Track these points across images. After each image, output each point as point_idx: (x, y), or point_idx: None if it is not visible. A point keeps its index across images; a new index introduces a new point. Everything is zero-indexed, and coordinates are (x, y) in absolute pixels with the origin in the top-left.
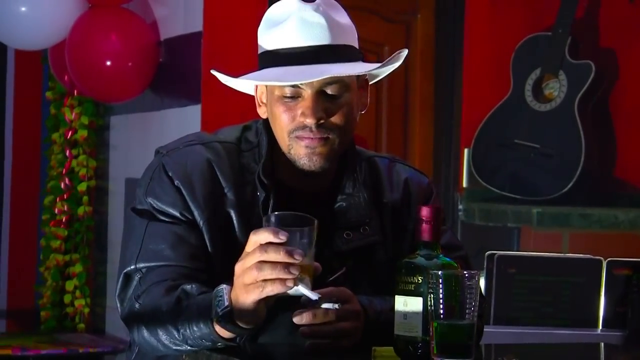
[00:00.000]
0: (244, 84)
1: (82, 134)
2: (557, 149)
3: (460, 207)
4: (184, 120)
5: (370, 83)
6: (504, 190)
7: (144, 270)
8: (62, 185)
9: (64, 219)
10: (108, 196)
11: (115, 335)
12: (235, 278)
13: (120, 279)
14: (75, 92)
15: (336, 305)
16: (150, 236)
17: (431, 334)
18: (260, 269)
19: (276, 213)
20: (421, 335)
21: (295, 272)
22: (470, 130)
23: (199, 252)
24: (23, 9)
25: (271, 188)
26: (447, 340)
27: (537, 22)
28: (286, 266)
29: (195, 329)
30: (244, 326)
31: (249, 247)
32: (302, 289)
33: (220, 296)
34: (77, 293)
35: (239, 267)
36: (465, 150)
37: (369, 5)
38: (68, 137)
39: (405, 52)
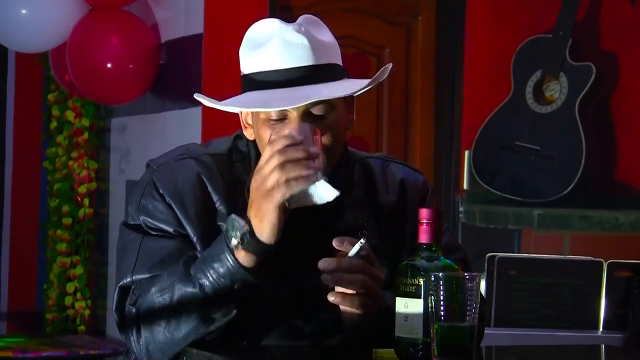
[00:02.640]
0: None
1: (83, 136)
2: (558, 151)
3: (461, 209)
4: (185, 123)
5: (355, 95)
6: (505, 192)
7: (139, 283)
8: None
9: (70, 222)
10: (109, 198)
11: (116, 337)
12: (253, 190)
13: (116, 293)
14: (76, 93)
15: (362, 240)
16: (145, 249)
17: (432, 335)
18: (283, 169)
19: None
20: (422, 337)
21: (318, 164)
22: (471, 132)
23: (193, 262)
24: (24, 11)
25: None
26: (448, 342)
27: (538, 24)
28: (307, 162)
29: (214, 266)
30: (265, 242)
31: (264, 158)
32: (324, 184)
33: (233, 221)
34: (78, 295)
35: (257, 178)
36: (466, 152)
37: (370, 7)
38: (72, 140)
39: (390, 66)
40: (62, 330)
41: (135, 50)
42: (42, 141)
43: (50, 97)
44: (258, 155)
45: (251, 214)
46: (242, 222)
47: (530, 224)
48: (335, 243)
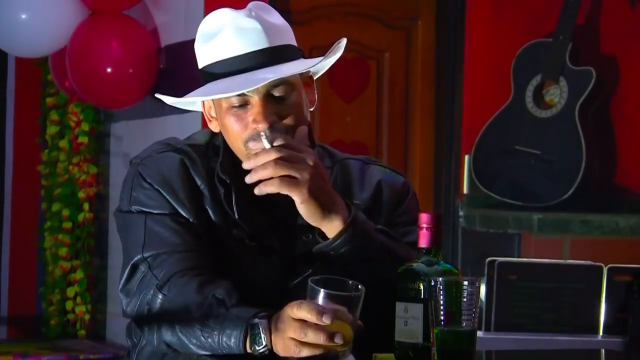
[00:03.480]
0: (190, 102)
1: (83, 140)
2: (558, 155)
3: (461, 213)
4: (185, 127)
5: (315, 78)
6: (505, 197)
7: (149, 259)
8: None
9: (70, 226)
10: (109, 203)
11: (116, 341)
12: (275, 332)
13: (127, 271)
14: (76, 99)
15: (263, 132)
16: (151, 226)
17: (432, 340)
18: (300, 350)
19: (322, 287)
20: (422, 341)
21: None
22: (471, 136)
23: (199, 240)
24: (23, 16)
25: (230, 185)
26: (448, 347)
27: (538, 28)
28: (327, 346)
29: (224, 339)
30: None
31: (289, 312)
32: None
33: (259, 335)
34: (78, 299)
35: (280, 333)
36: (466, 157)
37: (370, 11)
38: (73, 144)
39: (344, 41)
40: (63, 335)
41: (135, 55)
42: (42, 145)
43: (49, 101)
44: (227, 147)
45: (273, 341)
46: (265, 339)
47: (530, 228)
48: (247, 179)
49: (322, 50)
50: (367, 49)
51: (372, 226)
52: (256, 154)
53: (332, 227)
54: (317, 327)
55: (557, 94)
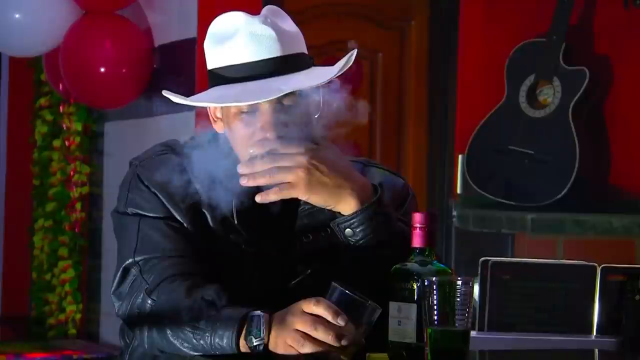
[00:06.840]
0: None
1: (76, 140)
2: (552, 155)
3: (454, 213)
4: (178, 126)
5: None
6: (498, 197)
7: (141, 262)
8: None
9: (67, 227)
10: (102, 203)
11: (110, 341)
12: (280, 325)
13: (119, 274)
14: (71, 100)
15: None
16: (144, 230)
17: (425, 340)
18: (303, 344)
19: (345, 289)
20: (415, 341)
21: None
22: (464, 136)
23: (191, 245)
24: (17, 15)
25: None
26: (441, 347)
27: (532, 28)
28: (330, 348)
29: (216, 340)
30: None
31: (304, 306)
32: None
33: (257, 327)
34: (69, 299)
35: (286, 325)
36: (460, 157)
37: (364, 11)
38: (68, 144)
39: (355, 52)
40: (56, 335)
41: (129, 54)
42: (36, 145)
43: (42, 100)
44: (231, 148)
45: (271, 337)
46: (263, 332)
47: (523, 228)
48: (240, 170)
49: (315, 51)
50: (360, 49)
51: (394, 212)
52: (251, 161)
53: (348, 209)
54: (329, 325)
55: (550, 94)
